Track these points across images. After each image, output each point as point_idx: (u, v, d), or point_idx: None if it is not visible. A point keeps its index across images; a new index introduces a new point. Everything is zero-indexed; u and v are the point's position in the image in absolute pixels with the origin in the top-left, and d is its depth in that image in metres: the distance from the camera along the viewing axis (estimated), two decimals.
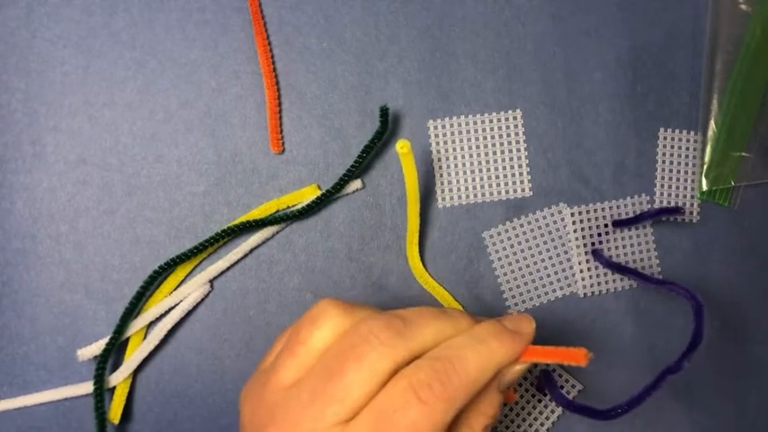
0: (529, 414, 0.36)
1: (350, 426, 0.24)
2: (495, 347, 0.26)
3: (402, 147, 0.31)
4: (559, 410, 0.36)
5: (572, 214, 0.37)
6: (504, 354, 0.26)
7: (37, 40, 0.38)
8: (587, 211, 0.37)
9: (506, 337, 0.27)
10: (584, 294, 0.37)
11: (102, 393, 0.35)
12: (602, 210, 0.37)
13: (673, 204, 0.38)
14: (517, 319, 0.28)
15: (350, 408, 0.24)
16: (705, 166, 0.37)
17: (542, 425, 0.36)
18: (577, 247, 0.37)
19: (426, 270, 0.37)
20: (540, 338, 0.37)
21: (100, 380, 0.35)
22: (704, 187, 0.37)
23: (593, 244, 0.37)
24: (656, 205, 0.38)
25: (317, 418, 0.24)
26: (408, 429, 0.24)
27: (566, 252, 0.37)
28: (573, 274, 0.37)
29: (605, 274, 0.37)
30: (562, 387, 0.36)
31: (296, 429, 0.24)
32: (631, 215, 0.37)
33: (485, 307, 0.37)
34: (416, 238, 0.36)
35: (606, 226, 0.37)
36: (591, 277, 0.37)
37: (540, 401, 0.36)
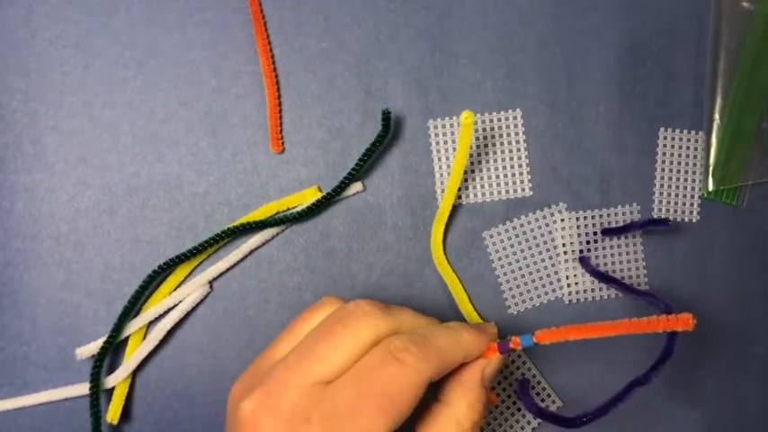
0: (512, 415, 0.36)
1: (332, 384, 0.26)
2: (464, 334, 0.28)
3: (467, 117, 0.31)
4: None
5: (561, 220, 0.37)
6: (469, 341, 0.28)
7: (37, 40, 0.38)
8: (577, 218, 0.37)
9: (473, 329, 0.29)
10: (570, 301, 0.37)
11: (98, 392, 0.35)
12: (592, 217, 0.37)
13: (672, 204, 0.38)
14: (480, 324, 0.31)
15: (334, 367, 0.26)
16: (711, 166, 0.37)
17: (522, 428, 0.36)
18: (564, 253, 0.37)
19: (444, 252, 0.37)
20: None
21: (96, 378, 0.35)
22: (711, 187, 0.37)
23: (581, 251, 0.37)
24: (656, 206, 0.38)
25: (303, 376, 0.26)
26: (386, 384, 0.25)
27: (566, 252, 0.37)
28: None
29: (592, 281, 0.37)
30: (543, 401, 0.36)
31: (281, 387, 0.26)
32: (621, 224, 0.37)
33: (485, 307, 0.37)
34: (447, 214, 0.36)
35: (595, 234, 0.37)
36: (577, 284, 0.37)
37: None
